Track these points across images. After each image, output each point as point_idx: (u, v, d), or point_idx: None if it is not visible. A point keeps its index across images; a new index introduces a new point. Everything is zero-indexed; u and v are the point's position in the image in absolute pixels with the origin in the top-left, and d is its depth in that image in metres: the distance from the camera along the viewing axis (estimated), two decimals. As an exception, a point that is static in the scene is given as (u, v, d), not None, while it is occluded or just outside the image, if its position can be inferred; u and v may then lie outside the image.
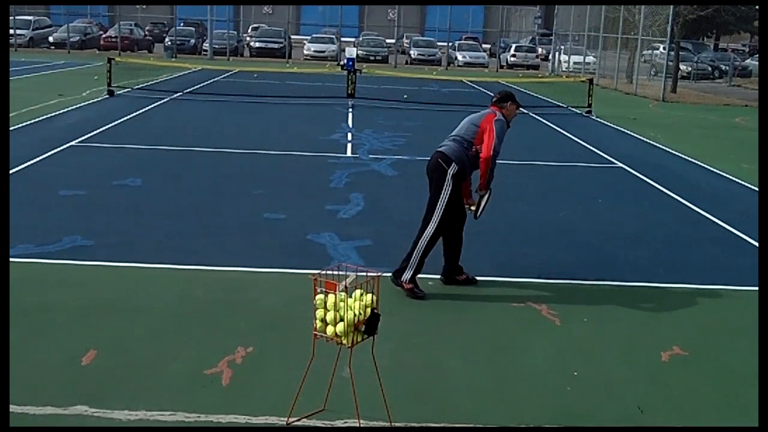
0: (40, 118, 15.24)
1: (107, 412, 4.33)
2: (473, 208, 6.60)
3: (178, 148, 12.91)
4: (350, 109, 19.17)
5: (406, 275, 6.37)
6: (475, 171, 6.56)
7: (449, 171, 6.32)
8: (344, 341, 4.07)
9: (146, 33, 44.54)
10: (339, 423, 4.34)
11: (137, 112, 16.89)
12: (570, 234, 8.65)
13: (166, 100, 19.63)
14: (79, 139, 13.05)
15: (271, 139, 14.30)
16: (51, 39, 40.52)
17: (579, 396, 4.84)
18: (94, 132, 13.91)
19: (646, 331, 5.95)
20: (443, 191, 6.35)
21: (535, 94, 25.33)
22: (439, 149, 6.48)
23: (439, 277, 6.73)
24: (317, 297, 4.13)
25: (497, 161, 6.43)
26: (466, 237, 7.12)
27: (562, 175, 12.30)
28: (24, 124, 14.39)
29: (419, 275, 6.44)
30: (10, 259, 6.54)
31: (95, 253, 7.12)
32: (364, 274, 4.19)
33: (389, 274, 6.47)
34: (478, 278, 6.77)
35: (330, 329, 4.10)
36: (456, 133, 6.52)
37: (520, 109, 6.86)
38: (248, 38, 45.58)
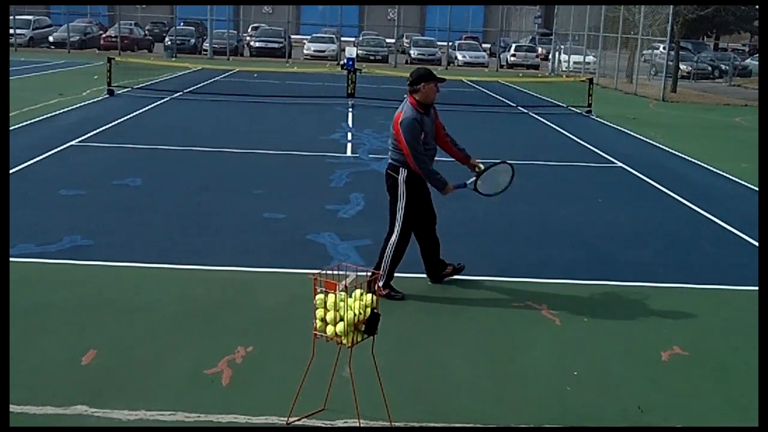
0: (40, 118, 15.24)
1: (107, 412, 4.33)
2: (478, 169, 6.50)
3: (178, 147, 12.91)
4: (350, 109, 19.17)
5: (379, 283, 6.27)
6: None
7: (399, 177, 6.27)
8: (344, 341, 4.07)
9: (146, 33, 44.54)
10: (339, 423, 4.34)
11: (137, 112, 16.89)
12: (570, 234, 8.65)
13: (166, 99, 19.63)
14: (79, 139, 13.05)
15: (271, 139, 14.30)
16: (51, 39, 40.54)
17: (579, 396, 4.84)
18: (94, 131, 13.91)
19: (646, 331, 5.95)
20: (399, 199, 6.29)
21: (535, 94, 25.31)
22: (388, 160, 6.43)
23: (436, 277, 6.75)
24: (317, 297, 4.13)
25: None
26: (466, 237, 7.14)
27: (562, 175, 12.30)
28: (24, 123, 14.39)
29: (397, 273, 6.44)
30: (11, 259, 6.54)
31: (95, 253, 7.12)
32: (364, 273, 4.19)
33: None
34: (478, 278, 6.77)
35: (330, 329, 4.10)
36: (389, 139, 6.43)
37: (443, 80, 6.61)
38: (248, 38, 45.60)
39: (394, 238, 6.32)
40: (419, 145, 6.18)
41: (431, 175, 6.30)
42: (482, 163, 6.58)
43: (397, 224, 6.31)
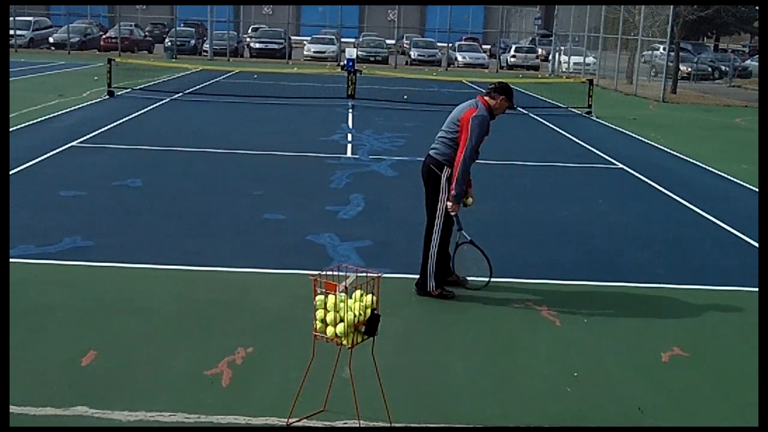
0: (41, 119, 15.25)
1: (107, 413, 4.33)
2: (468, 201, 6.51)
3: (178, 148, 12.92)
4: (350, 110, 19.17)
5: (430, 285, 6.35)
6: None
7: (443, 175, 6.24)
8: (344, 342, 4.07)
9: (146, 34, 44.54)
10: (339, 423, 4.33)
11: (137, 113, 16.90)
12: (570, 235, 8.65)
13: (166, 100, 19.64)
14: (80, 140, 13.05)
15: (271, 140, 14.30)
16: (51, 40, 40.51)
17: (579, 396, 4.84)
18: (95, 133, 13.91)
19: (646, 331, 5.95)
20: (441, 197, 6.26)
21: (535, 95, 25.32)
22: (430, 153, 6.36)
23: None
24: (317, 298, 4.13)
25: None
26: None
27: (562, 176, 12.30)
28: (24, 124, 14.39)
29: (398, 274, 6.45)
30: (11, 260, 6.55)
31: (95, 254, 7.12)
32: (364, 274, 4.19)
33: (389, 275, 6.48)
34: (478, 278, 6.76)
35: (330, 330, 4.10)
36: (442, 133, 6.36)
37: (515, 109, 6.65)
38: (248, 39, 45.59)
39: (435, 238, 6.30)
40: (478, 146, 6.19)
41: (464, 178, 6.23)
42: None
43: (437, 223, 6.29)
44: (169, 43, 38.61)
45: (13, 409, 4.24)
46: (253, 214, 8.84)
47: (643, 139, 16.66)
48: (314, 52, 41.51)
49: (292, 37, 44.47)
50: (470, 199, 6.51)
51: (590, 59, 35.86)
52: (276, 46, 41.34)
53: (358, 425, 4.29)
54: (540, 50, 45.51)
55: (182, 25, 46.28)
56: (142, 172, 10.74)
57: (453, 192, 6.19)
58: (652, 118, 20.97)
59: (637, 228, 9.10)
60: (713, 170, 13.12)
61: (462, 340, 5.62)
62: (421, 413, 4.51)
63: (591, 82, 21.58)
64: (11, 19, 37.54)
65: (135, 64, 26.07)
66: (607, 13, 33.26)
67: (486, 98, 6.35)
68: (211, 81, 25.64)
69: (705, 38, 54.66)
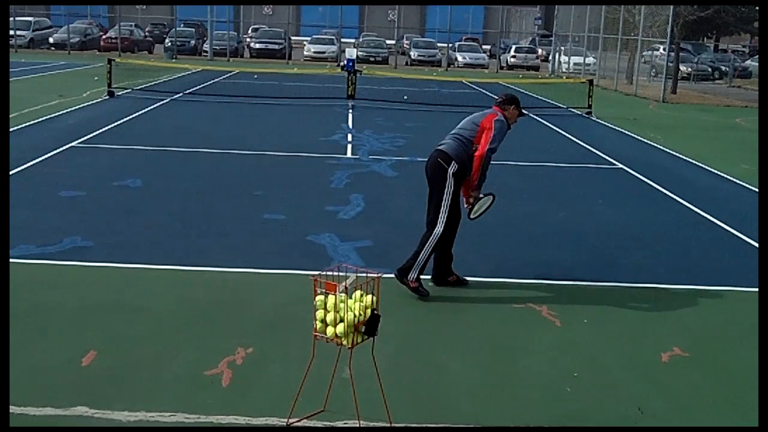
0: (41, 119, 15.24)
1: (107, 413, 4.33)
2: (468, 207, 6.60)
3: (179, 148, 12.92)
4: (350, 110, 19.17)
5: (413, 274, 6.37)
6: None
7: (449, 170, 6.31)
8: (344, 342, 4.07)
9: (146, 34, 44.55)
10: (339, 423, 4.33)
11: (137, 113, 16.90)
12: (570, 235, 8.65)
13: (166, 101, 19.64)
14: (80, 140, 13.05)
15: (271, 140, 14.30)
16: (51, 40, 40.52)
17: (579, 396, 4.84)
18: (95, 133, 13.92)
19: (646, 331, 5.95)
20: (446, 191, 6.33)
21: (535, 95, 25.33)
22: (439, 147, 6.46)
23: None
24: (317, 298, 4.13)
25: (492, 162, 6.43)
26: (467, 238, 7.13)
27: (562, 176, 12.30)
28: (24, 125, 14.39)
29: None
30: (11, 260, 6.55)
31: (95, 254, 7.12)
32: (364, 274, 4.19)
33: (390, 275, 6.48)
34: (478, 279, 6.77)
35: (330, 330, 4.10)
36: (456, 131, 6.51)
37: (523, 114, 6.87)
38: (248, 39, 45.60)
39: (438, 229, 6.34)
40: (497, 146, 6.40)
41: (484, 175, 6.49)
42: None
43: (441, 216, 6.33)
44: (169, 44, 38.62)
45: (13, 409, 4.24)
46: (253, 214, 8.84)
47: (643, 139, 16.66)
48: (314, 52, 41.55)
49: (292, 38, 44.46)
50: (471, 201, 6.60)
51: (590, 59, 35.87)
52: (276, 47, 41.36)
53: (358, 425, 4.29)
54: (540, 50, 45.53)
55: (182, 25, 46.27)
56: (142, 172, 10.74)
57: (476, 182, 6.46)
58: (652, 119, 20.97)
59: (637, 228, 9.10)
60: (713, 170, 13.12)
61: (462, 340, 5.62)
62: (421, 413, 4.51)
63: (591, 82, 21.58)
64: (11, 19, 37.53)
65: (135, 65, 26.07)
66: (607, 13, 33.26)
67: (501, 110, 6.60)
68: (211, 81, 25.65)
69: (705, 38, 54.62)
